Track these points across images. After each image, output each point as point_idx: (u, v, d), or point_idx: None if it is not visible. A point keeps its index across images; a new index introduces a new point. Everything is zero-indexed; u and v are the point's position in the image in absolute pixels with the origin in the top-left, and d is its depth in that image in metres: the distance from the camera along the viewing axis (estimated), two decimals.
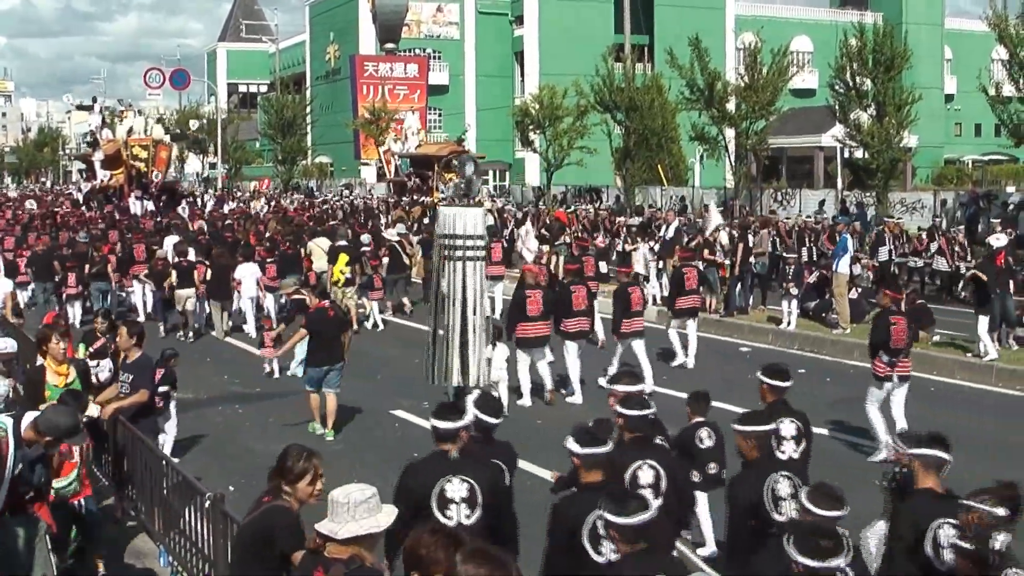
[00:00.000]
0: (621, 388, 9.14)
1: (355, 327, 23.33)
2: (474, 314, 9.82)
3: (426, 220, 41.58)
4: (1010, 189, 50.35)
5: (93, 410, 11.66)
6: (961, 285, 24.91)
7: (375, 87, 77.36)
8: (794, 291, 24.68)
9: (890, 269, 29.20)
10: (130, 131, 56.56)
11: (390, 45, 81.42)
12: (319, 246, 30.09)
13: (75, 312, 26.77)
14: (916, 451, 7.38)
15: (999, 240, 22.35)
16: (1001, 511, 5.98)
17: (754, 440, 8.19)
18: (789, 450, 9.22)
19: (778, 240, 31.31)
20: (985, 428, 16.86)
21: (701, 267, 27.07)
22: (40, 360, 12.31)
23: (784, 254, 30.36)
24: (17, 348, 13.11)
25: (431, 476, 7.75)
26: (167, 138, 60.17)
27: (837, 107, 44.94)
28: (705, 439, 10.41)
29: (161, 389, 14.81)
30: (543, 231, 35.61)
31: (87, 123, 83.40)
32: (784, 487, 7.98)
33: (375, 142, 68.21)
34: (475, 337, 9.78)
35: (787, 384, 9.70)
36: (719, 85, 48.01)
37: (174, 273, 25.98)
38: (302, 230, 35.64)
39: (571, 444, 7.43)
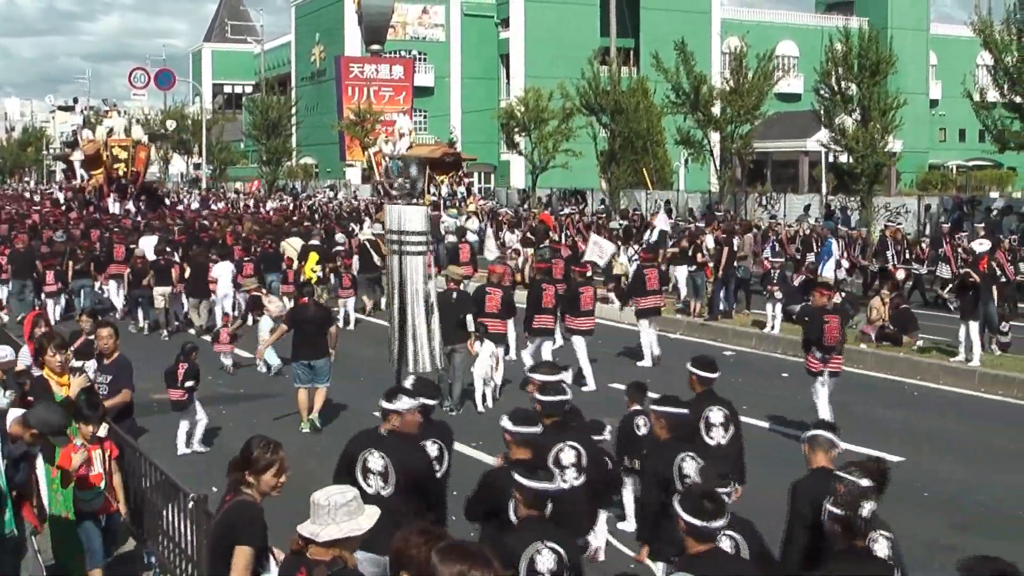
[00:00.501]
0: (539, 377, 9.67)
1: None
2: (415, 304, 10.58)
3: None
4: (994, 195, 50.58)
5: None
6: (948, 288, 24.64)
7: (360, 88, 77.11)
8: (778, 295, 24.71)
9: (901, 274, 28.82)
10: (110, 132, 57.05)
11: (375, 47, 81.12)
12: (291, 245, 30.90)
13: (55, 309, 27.37)
14: (806, 434, 8.09)
15: (982, 245, 22.39)
16: (866, 482, 6.67)
17: (664, 421, 8.95)
18: (718, 436, 9.93)
19: (778, 246, 31.22)
20: (969, 432, 16.92)
21: (690, 269, 27.27)
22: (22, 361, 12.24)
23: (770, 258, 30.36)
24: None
25: (360, 446, 8.60)
26: (146, 139, 60.46)
27: (822, 111, 44.85)
28: (641, 427, 11.00)
29: (187, 384, 15.15)
30: (528, 234, 35.66)
31: (69, 123, 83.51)
32: (690, 466, 8.58)
33: (360, 143, 68.10)
34: (417, 324, 10.56)
35: (715, 375, 10.38)
36: (704, 89, 48.03)
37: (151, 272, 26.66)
38: (280, 230, 36.14)
39: (504, 422, 8.28)
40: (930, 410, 18.51)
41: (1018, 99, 35.63)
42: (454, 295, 18.32)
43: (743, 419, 16.44)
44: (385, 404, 8.56)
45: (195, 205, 59.40)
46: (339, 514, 5.96)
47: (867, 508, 6.41)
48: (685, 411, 9.06)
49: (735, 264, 27.23)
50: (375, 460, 8.44)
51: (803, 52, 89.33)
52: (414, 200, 10.97)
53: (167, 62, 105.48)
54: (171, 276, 26.46)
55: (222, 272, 26.34)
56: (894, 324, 23.06)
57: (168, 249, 28.95)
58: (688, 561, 6.46)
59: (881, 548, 6.74)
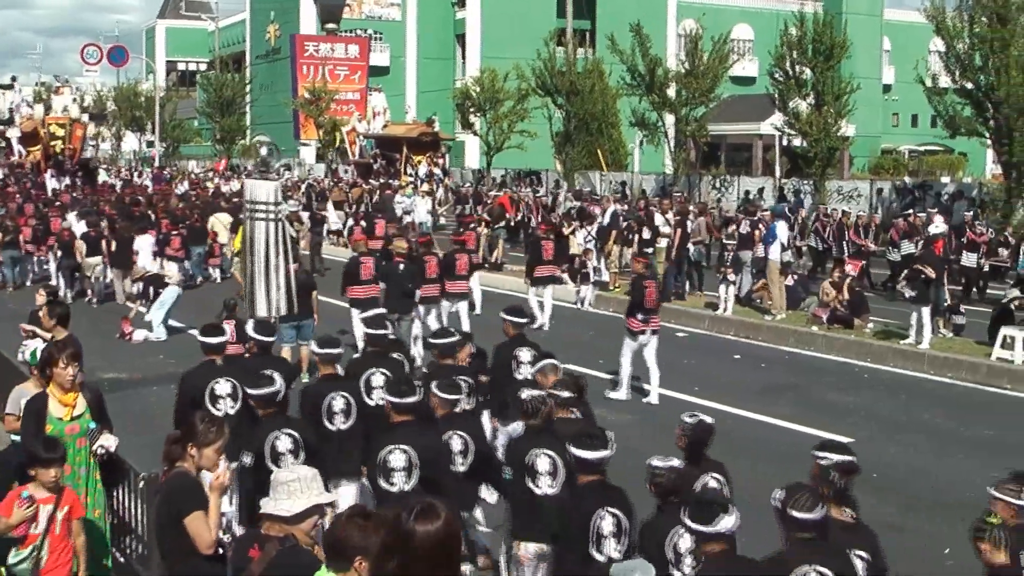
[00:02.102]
0: (366, 315, 12.53)
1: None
2: (263, 260, 12.46)
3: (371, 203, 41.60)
4: (945, 179, 50.96)
5: (110, 441, 9.00)
6: (903, 276, 24.02)
7: (315, 67, 76.51)
8: (731, 277, 24.77)
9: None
10: (48, 109, 58.74)
11: (331, 25, 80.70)
12: (220, 220, 32.87)
13: None
14: (536, 365, 10.43)
15: (938, 227, 22.48)
16: (567, 393, 9.08)
17: (436, 350, 11.31)
18: (525, 372, 11.55)
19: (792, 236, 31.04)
20: (919, 415, 17.06)
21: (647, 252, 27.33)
22: None
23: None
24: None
25: (204, 379, 10.24)
26: (84, 117, 61.79)
27: (776, 95, 45.23)
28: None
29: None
30: (485, 215, 35.79)
31: (9, 101, 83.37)
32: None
33: (315, 122, 67.86)
34: (264, 279, 12.48)
35: (524, 320, 12.39)
36: (660, 71, 48.19)
37: (83, 244, 27.80)
38: (208, 206, 37.65)
39: (312, 345, 10.58)
40: (880, 392, 18.62)
41: (969, 85, 35.87)
42: (400, 267, 19.40)
43: (696, 400, 16.71)
44: (214, 340, 10.36)
45: (148, 182, 59.16)
46: (278, 491, 5.96)
47: (563, 395, 8.97)
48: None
49: (688, 246, 27.26)
50: (223, 385, 10.13)
51: (758, 36, 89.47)
52: (267, 176, 13.04)
53: (120, 38, 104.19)
54: (101, 248, 27.65)
55: (143, 245, 27.60)
56: (851, 307, 23.11)
57: (96, 221, 30.18)
58: (388, 427, 8.58)
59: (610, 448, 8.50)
